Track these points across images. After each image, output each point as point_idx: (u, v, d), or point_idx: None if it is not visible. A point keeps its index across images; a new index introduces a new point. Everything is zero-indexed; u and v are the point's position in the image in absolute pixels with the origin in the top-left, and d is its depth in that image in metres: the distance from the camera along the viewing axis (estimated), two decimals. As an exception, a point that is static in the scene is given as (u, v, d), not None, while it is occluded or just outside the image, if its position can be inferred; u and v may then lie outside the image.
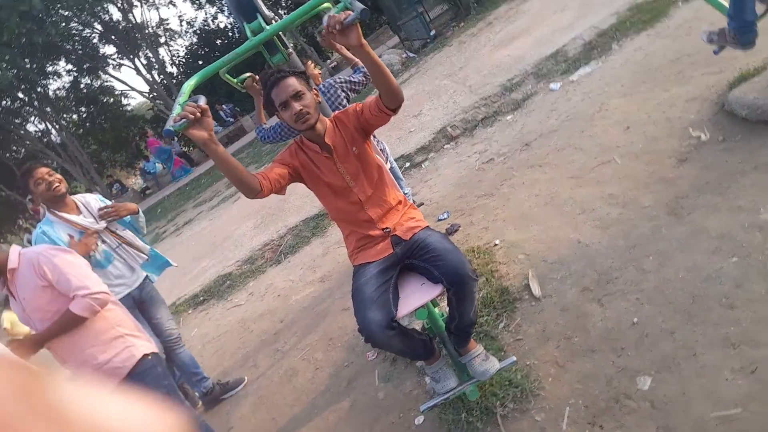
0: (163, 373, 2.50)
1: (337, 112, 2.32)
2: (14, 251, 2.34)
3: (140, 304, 3.30)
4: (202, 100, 1.86)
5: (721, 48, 3.07)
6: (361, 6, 1.68)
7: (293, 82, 2.09)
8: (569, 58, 5.55)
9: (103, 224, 3.14)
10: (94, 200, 3.24)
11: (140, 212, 3.39)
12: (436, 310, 2.50)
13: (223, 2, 24.99)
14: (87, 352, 2.34)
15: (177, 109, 1.87)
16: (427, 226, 2.32)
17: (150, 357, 2.47)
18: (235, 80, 2.91)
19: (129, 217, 3.31)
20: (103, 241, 3.13)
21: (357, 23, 1.70)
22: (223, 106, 20.48)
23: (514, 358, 2.29)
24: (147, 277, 3.39)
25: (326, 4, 2.36)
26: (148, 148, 19.58)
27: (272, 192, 2.12)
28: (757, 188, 2.55)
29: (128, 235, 3.29)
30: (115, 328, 2.42)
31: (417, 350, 2.24)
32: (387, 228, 2.26)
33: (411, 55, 11.70)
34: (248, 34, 2.53)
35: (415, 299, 2.15)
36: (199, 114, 1.77)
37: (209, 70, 2.46)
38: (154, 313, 3.37)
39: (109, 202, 3.26)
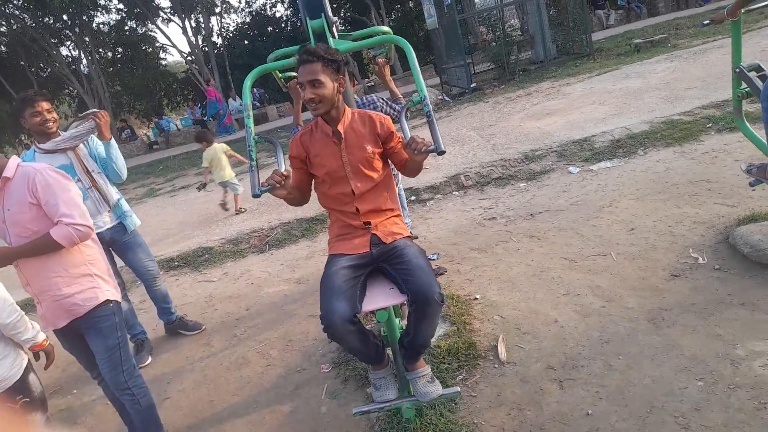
0: (119, 324, 2.47)
1: (372, 111, 2.41)
2: (14, 161, 2.33)
3: (112, 244, 3.48)
4: (281, 159, 2.29)
5: (757, 182, 3.16)
6: (442, 147, 2.01)
7: (317, 69, 2.15)
8: (594, 149, 5.67)
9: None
10: None
11: (112, 143, 3.38)
12: (398, 322, 2.52)
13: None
14: (52, 280, 2.31)
15: (251, 138, 2.31)
16: (409, 236, 2.36)
17: (111, 304, 2.45)
18: (281, 76, 2.99)
19: (105, 152, 3.36)
20: (78, 180, 3.20)
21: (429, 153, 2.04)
22: (254, 90, 20.63)
23: (458, 389, 2.32)
24: (120, 222, 3.53)
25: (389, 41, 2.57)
26: (206, 97, 19.69)
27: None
28: (739, 323, 2.60)
29: (101, 181, 3.36)
30: (86, 265, 2.39)
31: (369, 352, 2.25)
32: (369, 223, 2.32)
33: (447, 99, 11.91)
34: (309, 31, 2.60)
35: (380, 299, 2.18)
36: (283, 182, 2.09)
37: (265, 68, 2.56)
38: (131, 253, 3.60)
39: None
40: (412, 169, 2.35)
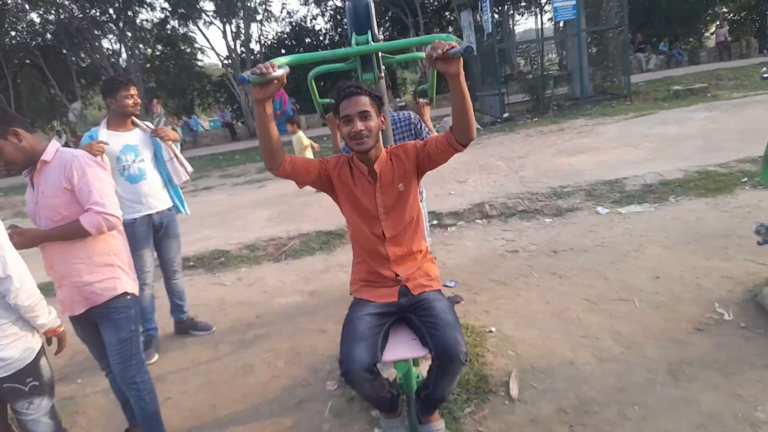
0: (134, 318, 2.48)
1: (394, 146, 2.31)
2: (53, 146, 2.35)
3: (157, 230, 3.64)
4: (284, 70, 1.90)
5: (765, 242, 3.09)
6: (467, 43, 1.73)
7: (365, 102, 2.08)
8: (625, 192, 5.60)
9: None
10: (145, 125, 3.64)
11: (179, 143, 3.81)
12: (415, 370, 2.46)
13: (333, 7, 25.83)
14: (75, 266, 2.33)
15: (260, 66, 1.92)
16: (439, 290, 2.29)
17: (129, 297, 2.46)
18: (320, 100, 2.89)
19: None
20: (165, 150, 3.58)
21: (459, 57, 1.76)
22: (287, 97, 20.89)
23: None
24: (171, 207, 3.74)
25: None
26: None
27: (289, 176, 2.14)
28: (761, 385, 2.50)
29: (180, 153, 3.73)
30: (110, 255, 2.41)
31: (383, 401, 2.19)
32: (399, 276, 2.23)
33: (478, 126, 11.91)
34: (353, 44, 2.60)
35: (401, 350, 2.12)
36: (274, 80, 1.84)
37: (306, 57, 2.48)
38: (166, 242, 3.77)
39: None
40: (459, 113, 1.95)
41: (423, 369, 2.75)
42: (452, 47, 1.73)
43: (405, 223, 2.24)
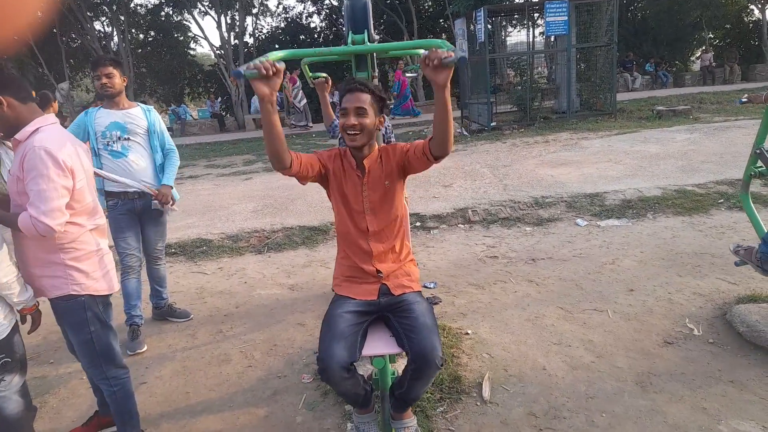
0: (92, 319, 2.29)
1: (386, 144, 2.39)
2: (31, 126, 2.15)
3: (141, 214, 3.65)
4: (281, 65, 1.87)
5: (742, 263, 3.20)
6: (462, 53, 1.74)
7: (364, 99, 2.12)
8: (604, 205, 5.70)
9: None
10: (139, 109, 3.66)
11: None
12: (390, 367, 2.50)
13: (329, 6, 25.82)
14: (25, 253, 2.22)
15: (255, 62, 1.89)
16: (419, 291, 2.32)
17: (82, 298, 2.25)
18: (311, 74, 3.06)
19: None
20: (148, 142, 3.63)
21: (452, 66, 1.76)
22: (278, 95, 20.82)
23: None
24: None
25: (422, 51, 2.52)
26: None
27: (297, 174, 2.14)
28: (725, 400, 2.58)
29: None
30: (58, 254, 2.21)
31: (357, 398, 2.22)
32: (381, 273, 2.26)
33: (465, 133, 12.01)
34: (349, 42, 2.65)
35: (379, 346, 2.16)
36: (272, 72, 1.80)
37: (300, 53, 2.55)
38: (150, 227, 3.77)
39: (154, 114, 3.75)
40: (439, 125, 1.95)
41: (399, 366, 2.81)
42: (448, 56, 1.72)
43: (389, 221, 2.28)
